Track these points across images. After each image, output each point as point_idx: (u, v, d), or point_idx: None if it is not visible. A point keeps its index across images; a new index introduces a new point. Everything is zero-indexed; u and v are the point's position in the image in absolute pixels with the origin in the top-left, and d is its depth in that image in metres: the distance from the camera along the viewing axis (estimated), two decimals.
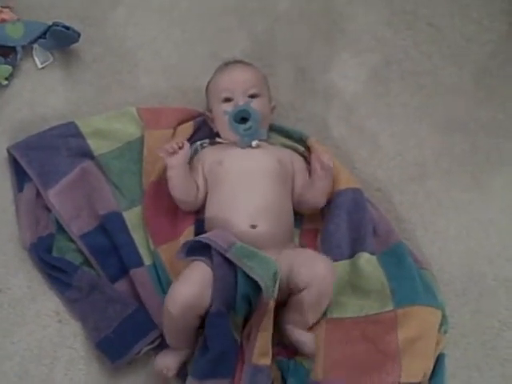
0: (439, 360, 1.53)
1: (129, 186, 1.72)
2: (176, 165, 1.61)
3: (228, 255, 1.47)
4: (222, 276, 1.47)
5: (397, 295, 1.54)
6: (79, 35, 1.84)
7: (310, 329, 1.53)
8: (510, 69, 1.93)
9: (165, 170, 1.68)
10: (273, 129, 1.78)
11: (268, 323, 1.45)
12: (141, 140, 1.76)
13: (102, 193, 1.71)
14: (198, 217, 1.69)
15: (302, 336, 1.50)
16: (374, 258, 1.60)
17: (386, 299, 1.54)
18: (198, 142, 1.76)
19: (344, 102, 1.88)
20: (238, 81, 1.70)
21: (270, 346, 1.46)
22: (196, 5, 1.98)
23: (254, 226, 1.57)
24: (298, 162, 1.72)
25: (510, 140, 1.84)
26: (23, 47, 1.85)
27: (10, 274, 1.66)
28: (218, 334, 1.46)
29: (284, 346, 1.55)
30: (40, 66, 1.87)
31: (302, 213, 1.70)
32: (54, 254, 1.66)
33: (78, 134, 1.74)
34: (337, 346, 1.51)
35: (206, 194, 1.68)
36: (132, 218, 1.69)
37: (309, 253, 1.57)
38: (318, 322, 1.55)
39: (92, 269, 1.65)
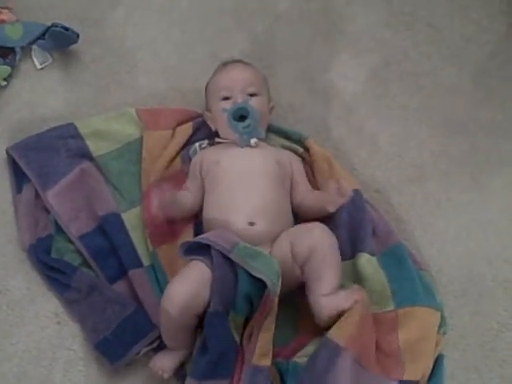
0: (438, 361, 1.54)
1: (128, 187, 1.72)
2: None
3: (231, 256, 1.47)
4: (222, 276, 1.47)
5: (397, 296, 1.54)
6: (78, 36, 1.84)
7: None
8: (510, 69, 1.93)
9: (164, 170, 1.69)
10: (272, 129, 1.78)
11: (270, 323, 1.45)
12: (140, 141, 1.76)
13: (101, 194, 1.71)
14: (197, 217, 1.69)
15: (337, 299, 1.48)
16: (374, 258, 1.60)
17: (387, 300, 1.54)
18: (197, 143, 1.76)
19: (343, 103, 1.88)
20: (236, 79, 1.70)
21: (271, 347, 1.46)
22: (195, 5, 1.98)
23: (252, 224, 1.58)
24: (297, 163, 1.73)
25: (510, 141, 1.84)
26: (22, 48, 1.86)
27: (8, 276, 1.66)
28: (216, 334, 1.46)
29: (283, 347, 1.56)
30: (39, 66, 1.87)
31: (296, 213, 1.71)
32: (53, 255, 1.66)
33: (77, 135, 1.74)
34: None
35: (203, 195, 1.68)
36: (131, 219, 1.69)
37: (302, 225, 1.59)
38: None
39: (91, 270, 1.65)
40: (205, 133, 1.78)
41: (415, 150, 1.83)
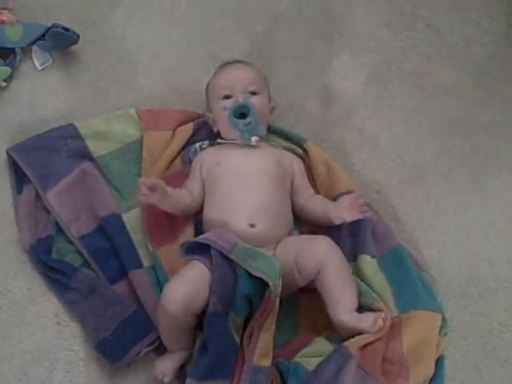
0: (439, 362, 1.54)
1: (128, 188, 1.72)
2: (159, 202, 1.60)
3: (232, 256, 1.47)
4: (221, 276, 1.47)
5: (400, 300, 1.54)
6: (78, 37, 1.84)
7: None
8: (510, 70, 1.94)
9: (164, 171, 1.70)
10: (272, 130, 1.78)
11: (271, 323, 1.45)
12: (140, 141, 1.76)
13: (102, 194, 1.70)
14: (198, 218, 1.69)
15: (364, 322, 1.48)
16: (374, 261, 1.60)
17: (390, 305, 1.54)
18: (197, 144, 1.76)
19: (343, 103, 1.88)
20: (237, 78, 1.70)
21: (272, 347, 1.46)
22: (195, 6, 1.98)
23: (252, 226, 1.58)
24: (298, 164, 1.73)
25: (510, 141, 1.85)
26: (22, 49, 1.85)
27: (9, 276, 1.66)
28: (216, 334, 1.46)
29: (283, 347, 1.55)
30: (39, 67, 1.87)
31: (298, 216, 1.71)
32: (54, 255, 1.66)
33: (77, 136, 1.74)
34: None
35: (203, 196, 1.68)
36: (131, 219, 1.69)
37: (305, 238, 1.59)
38: None
39: (91, 270, 1.65)
40: (205, 133, 1.78)
41: (415, 150, 1.83)
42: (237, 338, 1.50)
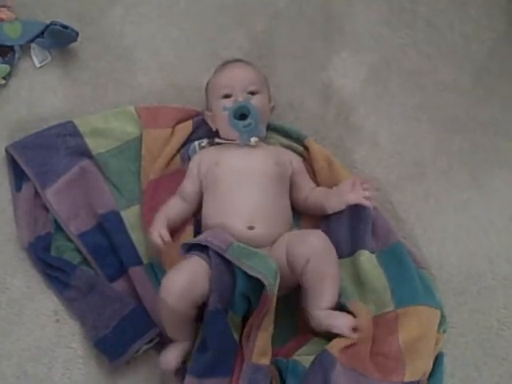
0: (438, 359, 1.54)
1: (127, 185, 1.72)
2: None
3: (226, 255, 1.47)
4: (220, 275, 1.47)
5: (397, 295, 1.54)
6: (77, 34, 1.83)
7: None
8: (509, 67, 1.94)
9: (163, 169, 1.69)
10: (271, 128, 1.78)
11: (269, 322, 1.45)
12: (139, 139, 1.76)
13: (101, 192, 1.70)
14: (197, 217, 1.69)
15: (333, 319, 1.48)
16: (373, 256, 1.60)
17: (387, 299, 1.54)
18: (196, 142, 1.76)
19: (343, 101, 1.88)
20: (237, 78, 1.70)
21: (270, 346, 1.46)
22: (194, 3, 1.98)
23: (251, 228, 1.58)
24: (298, 161, 1.72)
25: (509, 139, 1.85)
26: (21, 46, 1.85)
27: (8, 274, 1.65)
28: (216, 332, 1.47)
29: (282, 346, 1.56)
30: (38, 65, 1.87)
31: (301, 211, 1.71)
32: (53, 253, 1.66)
33: (76, 133, 1.74)
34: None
35: (200, 196, 1.68)
36: (130, 216, 1.69)
37: (300, 232, 1.59)
38: None
39: (90, 268, 1.65)
40: (204, 131, 1.78)
41: (415, 148, 1.83)
42: (236, 336, 1.50)
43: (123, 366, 1.57)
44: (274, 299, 1.44)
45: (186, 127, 1.77)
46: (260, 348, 1.45)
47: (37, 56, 1.86)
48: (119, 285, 1.63)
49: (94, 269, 1.65)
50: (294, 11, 1.98)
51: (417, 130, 1.85)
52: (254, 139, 1.67)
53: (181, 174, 1.73)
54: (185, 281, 1.45)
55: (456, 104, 1.88)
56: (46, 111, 1.82)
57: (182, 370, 1.54)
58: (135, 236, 1.67)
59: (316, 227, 1.68)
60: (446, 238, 1.73)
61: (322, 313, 1.49)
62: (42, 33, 1.83)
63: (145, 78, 1.88)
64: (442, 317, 1.56)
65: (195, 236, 1.63)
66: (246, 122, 1.64)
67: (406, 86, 1.90)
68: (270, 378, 1.46)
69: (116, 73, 1.88)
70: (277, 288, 1.44)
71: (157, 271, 1.62)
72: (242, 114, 1.65)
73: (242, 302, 1.48)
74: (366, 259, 1.59)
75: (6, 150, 1.73)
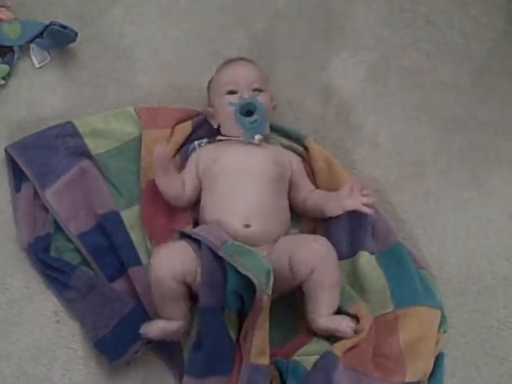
0: (438, 359, 1.54)
1: (127, 186, 1.72)
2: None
3: (220, 253, 1.47)
4: (211, 272, 1.47)
5: (397, 296, 1.54)
6: (76, 34, 1.83)
7: None
8: (509, 66, 1.93)
9: None
10: (271, 128, 1.77)
11: (263, 320, 1.44)
12: (139, 139, 1.75)
13: (100, 192, 1.70)
14: (196, 216, 1.69)
15: (335, 323, 1.49)
16: (373, 257, 1.60)
17: (386, 300, 1.54)
18: (196, 142, 1.76)
19: (342, 101, 1.88)
20: (241, 75, 1.70)
21: (268, 345, 1.46)
22: (194, 3, 1.98)
23: (247, 226, 1.57)
24: (297, 162, 1.72)
25: (509, 138, 1.85)
26: (20, 47, 1.85)
27: (7, 274, 1.65)
28: (212, 331, 1.47)
29: (282, 346, 1.56)
30: (37, 65, 1.86)
31: (300, 213, 1.70)
32: (52, 253, 1.66)
33: (75, 134, 1.73)
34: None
35: (196, 192, 1.68)
36: (130, 217, 1.69)
37: (302, 237, 1.59)
38: None
39: (90, 268, 1.65)
40: (204, 131, 1.78)
41: (414, 147, 1.83)
42: (232, 334, 1.50)
43: (123, 367, 1.56)
44: (267, 298, 1.43)
45: (186, 128, 1.77)
46: (257, 347, 1.45)
47: (36, 56, 1.86)
48: (119, 285, 1.63)
49: (93, 269, 1.64)
50: (293, 10, 1.98)
51: (416, 129, 1.85)
52: (258, 137, 1.66)
53: None
54: (173, 256, 1.48)
55: (456, 103, 1.88)
56: (46, 111, 1.82)
57: (180, 370, 1.54)
58: (135, 236, 1.66)
59: (316, 228, 1.68)
60: (445, 238, 1.73)
61: (324, 318, 1.50)
62: (42, 33, 1.83)
63: (145, 78, 1.88)
64: (442, 317, 1.56)
65: None
66: (252, 119, 1.64)
67: (406, 86, 1.90)
68: (269, 379, 1.46)
69: (116, 73, 1.88)
70: (270, 287, 1.43)
71: None
72: (247, 111, 1.65)
73: (235, 299, 1.49)
74: (366, 260, 1.59)
75: (6, 151, 1.72)
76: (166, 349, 1.57)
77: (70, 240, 1.67)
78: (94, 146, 1.74)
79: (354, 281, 1.59)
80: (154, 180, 1.68)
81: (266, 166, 1.65)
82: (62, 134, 1.73)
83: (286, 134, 1.78)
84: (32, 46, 1.86)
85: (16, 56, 1.84)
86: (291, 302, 1.61)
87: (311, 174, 1.74)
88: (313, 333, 1.56)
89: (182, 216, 1.68)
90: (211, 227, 1.54)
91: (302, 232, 1.69)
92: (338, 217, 1.63)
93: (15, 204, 1.70)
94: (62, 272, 1.62)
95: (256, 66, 1.76)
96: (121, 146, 1.75)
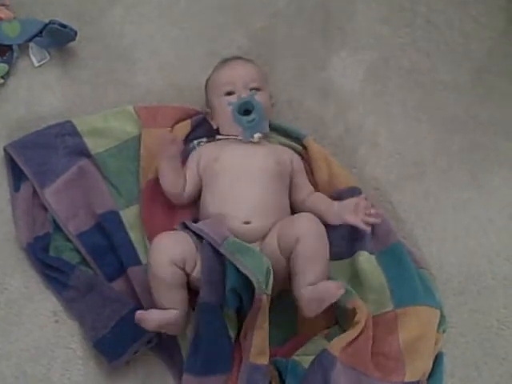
0: (438, 359, 1.54)
1: (126, 185, 1.72)
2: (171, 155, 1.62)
3: (221, 249, 1.47)
4: (211, 268, 1.48)
5: (396, 295, 1.54)
6: (76, 33, 1.83)
7: None
8: (509, 66, 1.93)
9: None
10: (270, 127, 1.77)
11: (263, 320, 1.45)
12: (138, 138, 1.75)
13: (99, 191, 1.70)
14: (195, 215, 1.68)
15: (320, 287, 1.46)
16: (372, 257, 1.60)
17: (386, 299, 1.54)
18: (195, 141, 1.76)
19: (342, 100, 1.88)
20: (239, 74, 1.70)
21: (267, 345, 1.46)
22: (193, 2, 1.97)
23: (247, 223, 1.57)
24: (298, 161, 1.72)
25: (509, 138, 1.84)
26: (19, 46, 1.84)
27: (6, 274, 1.65)
28: (211, 329, 1.48)
29: (281, 346, 1.56)
30: (36, 64, 1.86)
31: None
32: (51, 253, 1.66)
33: (74, 133, 1.73)
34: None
35: (196, 190, 1.68)
36: (129, 216, 1.69)
37: (289, 217, 1.59)
38: None
39: (89, 268, 1.65)
40: (203, 130, 1.78)
41: (414, 147, 1.83)
42: (231, 333, 1.50)
43: (122, 367, 1.56)
44: (265, 297, 1.43)
45: (185, 126, 1.77)
46: (257, 347, 1.45)
47: (35, 55, 1.86)
48: (118, 285, 1.63)
49: (92, 269, 1.64)
50: (293, 10, 1.98)
51: (416, 129, 1.85)
52: (257, 135, 1.66)
53: None
54: (172, 242, 1.50)
55: (456, 103, 1.88)
56: (45, 110, 1.82)
57: (179, 370, 1.53)
58: (134, 236, 1.66)
59: None
60: (445, 238, 1.73)
61: (309, 288, 1.46)
62: (41, 32, 1.83)
63: (144, 78, 1.88)
64: (442, 317, 1.56)
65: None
66: (250, 118, 1.64)
67: (406, 85, 1.90)
68: (269, 378, 1.47)
69: (115, 72, 1.87)
70: (270, 287, 1.44)
71: None
72: (245, 110, 1.65)
73: (233, 297, 1.48)
74: (365, 260, 1.58)
75: (5, 150, 1.72)
76: (165, 349, 1.58)
77: (69, 239, 1.67)
78: (94, 145, 1.73)
79: (354, 280, 1.59)
80: (153, 180, 1.68)
81: (267, 165, 1.65)
82: (61, 133, 1.73)
83: (286, 133, 1.78)
84: (31, 44, 1.85)
85: (15, 55, 1.84)
86: (290, 301, 1.60)
87: (310, 174, 1.74)
88: (312, 332, 1.56)
89: (182, 216, 1.68)
90: (213, 222, 1.54)
91: None
92: None
93: (14, 203, 1.70)
94: (61, 272, 1.62)
95: (254, 64, 1.76)
96: (120, 145, 1.75)
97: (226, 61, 1.77)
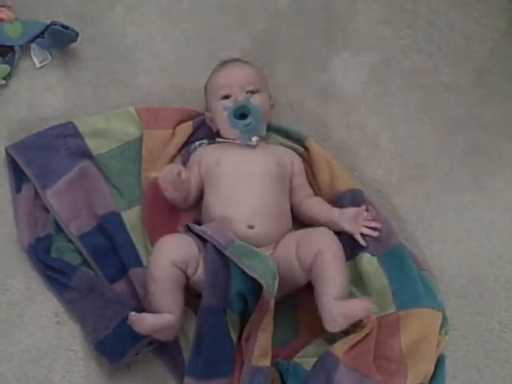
0: (439, 361, 1.54)
1: (128, 186, 1.72)
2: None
3: (227, 253, 1.47)
4: (215, 272, 1.47)
5: (398, 297, 1.54)
6: (77, 34, 1.83)
7: None
8: (511, 67, 1.93)
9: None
10: (272, 128, 1.77)
11: (268, 323, 1.45)
12: (140, 140, 1.75)
13: (101, 193, 1.70)
14: (197, 218, 1.68)
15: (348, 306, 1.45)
16: (374, 259, 1.60)
17: (388, 302, 1.54)
18: (197, 143, 1.76)
19: (343, 102, 1.88)
20: (235, 77, 1.69)
21: (270, 347, 1.46)
22: (195, 3, 1.97)
23: (251, 227, 1.57)
24: (298, 163, 1.72)
25: (511, 140, 1.84)
26: (21, 47, 1.84)
27: (8, 275, 1.65)
28: (214, 333, 1.47)
29: (283, 347, 1.55)
30: (38, 65, 1.86)
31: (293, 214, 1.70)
32: (53, 254, 1.66)
33: (76, 134, 1.73)
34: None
35: (199, 192, 1.68)
36: (131, 218, 1.69)
37: (309, 229, 1.58)
38: None
39: (91, 269, 1.65)
40: (205, 132, 1.78)
41: (416, 149, 1.82)
42: (233, 336, 1.50)
43: (124, 369, 1.56)
44: (272, 300, 1.43)
45: (187, 128, 1.77)
46: (260, 349, 1.45)
47: (37, 56, 1.86)
48: (120, 286, 1.63)
49: (94, 270, 1.64)
50: (294, 11, 1.98)
51: (418, 130, 1.85)
52: (254, 138, 1.66)
53: None
54: (175, 244, 1.50)
55: (457, 104, 1.88)
56: (47, 112, 1.82)
57: (181, 372, 1.53)
58: (136, 237, 1.66)
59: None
60: (447, 240, 1.73)
61: (335, 302, 1.44)
62: (42, 33, 1.83)
63: (145, 79, 1.88)
64: (444, 319, 1.55)
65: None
66: (246, 122, 1.64)
67: (407, 87, 1.90)
68: (270, 381, 1.46)
69: (116, 73, 1.87)
70: (275, 289, 1.44)
71: None
72: (242, 114, 1.65)
73: (238, 300, 1.49)
74: (367, 261, 1.59)
75: (7, 151, 1.72)
76: (166, 351, 1.57)
77: (70, 241, 1.67)
78: (95, 146, 1.73)
79: (356, 282, 1.59)
80: (154, 181, 1.67)
81: (268, 167, 1.65)
82: (62, 134, 1.73)
83: (287, 135, 1.78)
84: (33, 45, 1.85)
85: (17, 56, 1.84)
86: (291, 303, 1.60)
87: (312, 175, 1.74)
88: (314, 334, 1.56)
89: (184, 218, 1.68)
90: (218, 226, 1.54)
91: None
92: None
93: (16, 204, 1.70)
94: (63, 273, 1.62)
95: (251, 66, 1.75)
96: (122, 146, 1.75)
97: (223, 63, 1.76)
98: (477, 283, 1.68)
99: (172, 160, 1.74)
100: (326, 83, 1.89)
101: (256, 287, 1.45)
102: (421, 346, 1.49)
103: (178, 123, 1.78)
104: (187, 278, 1.51)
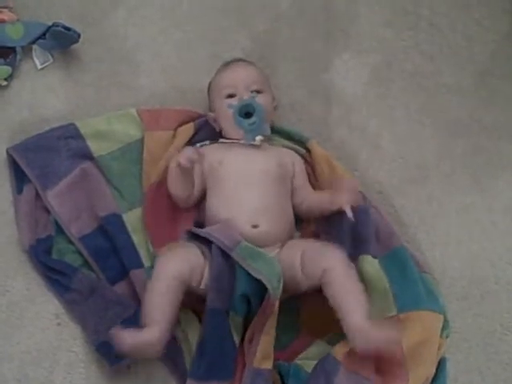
0: (441, 364, 1.53)
1: (129, 188, 1.71)
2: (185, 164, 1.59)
3: (233, 254, 1.47)
4: (220, 274, 1.47)
5: (399, 300, 1.53)
6: (79, 36, 1.83)
7: None
8: None
9: (165, 171, 1.67)
10: (273, 130, 1.77)
11: (271, 326, 1.45)
12: (141, 141, 1.75)
13: (102, 194, 1.70)
14: (199, 219, 1.68)
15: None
16: (376, 261, 1.59)
17: (389, 304, 1.53)
18: (198, 144, 1.75)
19: (345, 103, 1.88)
20: (240, 77, 1.70)
21: (272, 350, 1.46)
22: (196, 5, 1.97)
23: (255, 226, 1.57)
24: (300, 164, 1.72)
25: None
26: (23, 48, 1.84)
27: (8, 276, 1.65)
28: (216, 335, 1.47)
29: (284, 349, 1.55)
30: (40, 66, 1.86)
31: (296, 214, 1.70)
32: (54, 255, 1.65)
33: (77, 136, 1.73)
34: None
35: (201, 192, 1.68)
36: (132, 219, 1.68)
37: (314, 241, 1.58)
38: None
39: (91, 271, 1.64)
40: (206, 133, 1.77)
41: (417, 150, 1.82)
42: (236, 338, 1.50)
43: (124, 371, 1.56)
44: (277, 303, 1.43)
45: (188, 129, 1.77)
46: (262, 352, 1.45)
47: (38, 57, 1.86)
48: (120, 288, 1.62)
49: (95, 272, 1.64)
50: (295, 13, 1.98)
51: (419, 132, 1.85)
52: (258, 138, 1.66)
53: None
54: (180, 258, 1.48)
55: (459, 106, 1.88)
56: (48, 113, 1.82)
57: (182, 374, 1.53)
58: (136, 239, 1.66)
59: (317, 231, 1.69)
60: (448, 242, 1.72)
61: (368, 323, 1.41)
62: (44, 34, 1.83)
63: (147, 81, 1.87)
64: (445, 321, 1.55)
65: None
66: (251, 120, 1.64)
67: (409, 88, 1.90)
68: (271, 383, 1.46)
69: (118, 75, 1.87)
70: (280, 292, 1.44)
71: None
72: (246, 113, 1.65)
73: (242, 302, 1.49)
74: (369, 264, 1.58)
75: (8, 152, 1.72)
76: (167, 352, 1.56)
77: (71, 242, 1.67)
78: (97, 147, 1.73)
79: None
80: (156, 183, 1.68)
81: (269, 168, 1.65)
82: (64, 135, 1.73)
83: (289, 136, 1.78)
84: (34, 47, 1.85)
85: (18, 57, 1.84)
86: (294, 304, 1.60)
87: (313, 177, 1.74)
88: (315, 336, 1.56)
89: (185, 219, 1.68)
90: (223, 227, 1.54)
91: (302, 234, 1.70)
92: (339, 220, 1.62)
93: (17, 206, 1.70)
94: (64, 274, 1.62)
95: (255, 66, 1.76)
96: (123, 147, 1.74)
97: (227, 63, 1.77)
98: (478, 285, 1.68)
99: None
100: (327, 84, 1.89)
101: (261, 289, 1.45)
102: (422, 349, 1.48)
103: (180, 125, 1.78)
104: (192, 287, 1.50)
